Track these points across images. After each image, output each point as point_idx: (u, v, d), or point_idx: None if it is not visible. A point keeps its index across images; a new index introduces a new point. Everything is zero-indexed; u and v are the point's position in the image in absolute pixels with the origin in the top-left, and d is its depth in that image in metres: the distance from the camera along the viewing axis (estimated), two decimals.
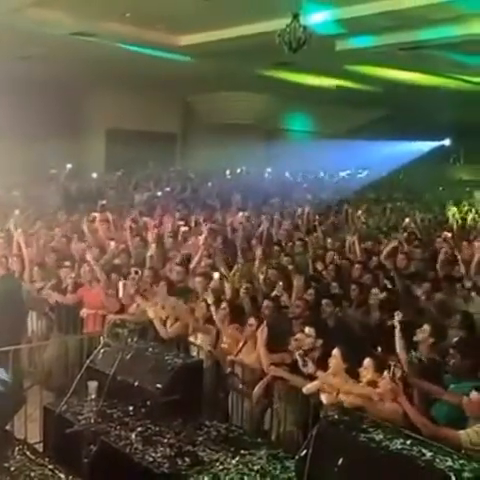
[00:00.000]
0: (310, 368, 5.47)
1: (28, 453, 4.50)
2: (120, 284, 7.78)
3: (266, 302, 7.24)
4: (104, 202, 14.04)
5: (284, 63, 13.84)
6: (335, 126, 22.81)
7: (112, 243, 9.93)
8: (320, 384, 5.47)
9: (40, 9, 10.64)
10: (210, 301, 6.89)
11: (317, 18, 10.59)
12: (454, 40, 11.93)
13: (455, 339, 5.85)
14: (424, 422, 4.63)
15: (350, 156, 21.90)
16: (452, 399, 4.99)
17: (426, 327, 5.95)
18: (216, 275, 8.10)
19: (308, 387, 5.55)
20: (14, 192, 14.60)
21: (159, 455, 4.63)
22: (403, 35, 12.00)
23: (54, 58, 14.26)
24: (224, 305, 6.93)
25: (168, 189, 17.98)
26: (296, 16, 8.26)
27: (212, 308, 6.84)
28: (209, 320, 6.90)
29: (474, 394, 4.56)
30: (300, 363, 5.51)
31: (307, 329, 6.10)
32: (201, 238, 10.31)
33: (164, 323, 7.08)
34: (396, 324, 5.92)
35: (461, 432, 4.46)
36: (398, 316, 5.98)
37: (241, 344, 6.52)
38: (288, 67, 14.77)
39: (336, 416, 4.38)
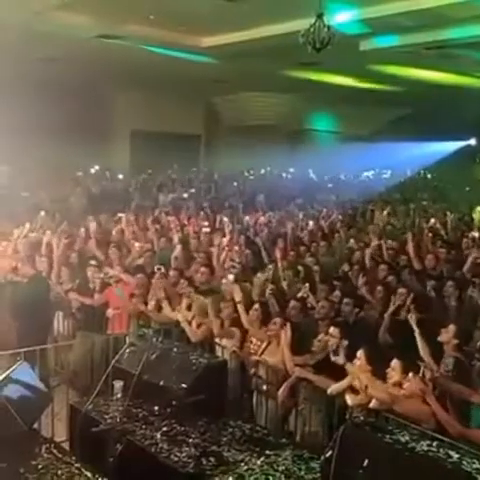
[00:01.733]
0: (341, 359, 5.49)
1: (55, 451, 4.55)
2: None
3: (293, 303, 7.24)
4: (133, 203, 14.17)
5: (308, 63, 13.81)
6: (359, 126, 22.69)
7: (137, 244, 10.00)
8: (346, 383, 5.45)
9: (65, 12, 10.76)
10: (238, 299, 6.90)
11: (341, 18, 10.55)
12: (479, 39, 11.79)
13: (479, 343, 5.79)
14: (452, 423, 4.57)
15: (375, 156, 21.75)
16: None
17: (451, 327, 5.90)
18: (231, 277, 8.09)
19: (333, 387, 5.54)
20: (40, 193, 14.78)
21: (184, 455, 4.65)
22: (428, 34, 11.89)
23: (79, 60, 14.41)
24: (256, 306, 6.94)
25: (192, 190, 18.04)
26: (320, 16, 8.19)
27: (240, 308, 6.84)
28: (235, 321, 6.91)
29: None
30: (331, 352, 5.52)
31: (332, 329, 6.08)
32: (226, 239, 10.36)
33: (190, 323, 7.12)
34: (414, 327, 5.90)
35: None
36: (411, 318, 5.98)
37: (265, 344, 6.52)
38: (312, 67, 14.73)
39: (361, 417, 4.36)
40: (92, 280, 8.26)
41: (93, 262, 8.60)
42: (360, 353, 5.52)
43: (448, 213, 13.59)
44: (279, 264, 9.04)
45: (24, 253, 9.38)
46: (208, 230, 11.29)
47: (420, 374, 4.85)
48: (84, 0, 9.70)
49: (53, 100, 17.16)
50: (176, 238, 10.64)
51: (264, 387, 6.24)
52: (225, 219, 12.34)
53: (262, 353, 6.47)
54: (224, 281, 7.98)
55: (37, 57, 13.92)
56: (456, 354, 5.72)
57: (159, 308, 7.63)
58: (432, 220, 13.04)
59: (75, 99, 17.92)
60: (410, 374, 4.94)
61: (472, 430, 4.61)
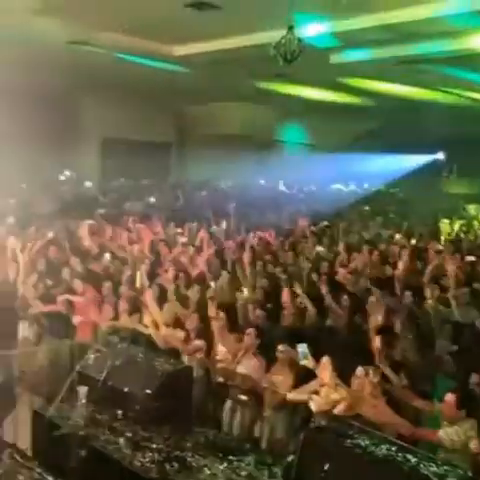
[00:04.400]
0: (311, 363, 5.61)
1: (17, 457, 4.51)
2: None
3: (258, 311, 7.31)
4: (102, 211, 14.13)
5: (279, 75, 13.94)
6: (329, 138, 22.91)
7: (106, 252, 10.00)
8: (305, 397, 5.53)
9: (37, 17, 10.70)
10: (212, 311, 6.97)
11: (313, 31, 10.66)
12: (449, 55, 12.00)
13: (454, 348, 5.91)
14: (401, 422, 4.71)
15: (344, 168, 21.96)
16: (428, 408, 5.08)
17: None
18: (212, 284, 8.15)
19: (291, 395, 5.62)
20: (10, 199, 14.67)
21: (147, 460, 4.65)
22: (398, 49, 12.05)
23: (51, 67, 14.33)
24: (221, 315, 6.98)
25: (162, 198, 18.02)
26: (291, 28, 8.32)
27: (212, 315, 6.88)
28: (201, 331, 6.94)
29: (448, 396, 4.63)
30: (300, 356, 5.64)
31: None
32: (195, 248, 10.40)
33: (158, 328, 7.14)
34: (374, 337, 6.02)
35: (440, 431, 4.59)
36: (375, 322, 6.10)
37: (240, 354, 6.52)
38: (283, 79, 14.86)
39: (323, 422, 4.42)
40: (57, 287, 8.22)
41: (67, 270, 8.55)
42: (326, 360, 5.60)
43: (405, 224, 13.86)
44: (247, 273, 9.10)
45: None
46: (181, 240, 11.28)
47: (370, 378, 4.97)
48: (56, 6, 9.64)
49: (24, 107, 16.99)
50: (146, 246, 10.64)
51: (232, 394, 6.26)
52: (194, 228, 12.37)
53: (237, 363, 6.47)
54: (191, 289, 8.04)
55: (7, 62, 13.79)
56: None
57: (128, 316, 7.64)
58: (397, 235, 13.24)
59: (46, 106, 17.76)
60: (358, 371, 5.05)
61: (421, 429, 4.77)
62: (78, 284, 8.22)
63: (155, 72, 14.65)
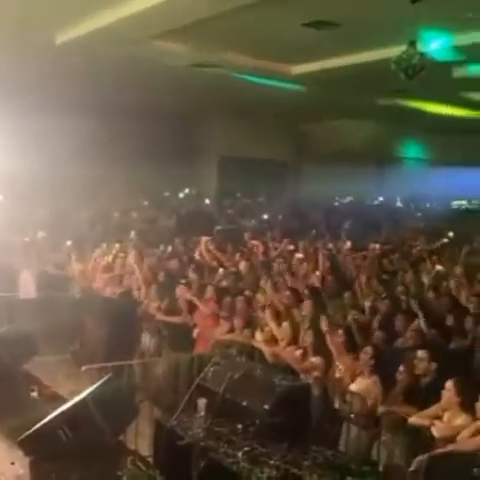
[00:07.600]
0: None
1: (140, 464, 4.65)
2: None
3: (377, 332, 7.18)
4: (218, 228, 14.46)
5: (399, 90, 13.69)
6: (449, 154, 22.20)
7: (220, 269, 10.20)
8: (427, 422, 5.33)
9: (161, 42, 11.17)
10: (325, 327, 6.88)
11: (434, 45, 10.42)
12: None
13: None
14: None
15: (465, 185, 21.20)
16: None
17: None
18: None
19: (413, 419, 5.44)
20: (132, 214, 15.35)
21: (265, 475, 4.64)
22: None
23: (171, 88, 14.88)
24: (341, 332, 6.90)
25: (277, 216, 18.14)
26: (413, 43, 8.18)
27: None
28: (318, 348, 6.89)
29: None
30: None
31: (420, 353, 5.94)
32: (309, 264, 10.36)
33: (275, 344, 7.15)
34: None
35: None
36: None
37: (357, 372, 6.42)
38: (403, 94, 14.60)
39: (447, 449, 4.24)
40: (181, 299, 8.47)
41: (182, 281, 8.81)
42: (449, 384, 5.37)
43: None
44: (363, 291, 8.94)
45: (116, 271, 9.75)
46: (297, 256, 11.31)
47: None
48: (178, 31, 10.03)
49: (147, 127, 17.75)
50: (260, 262, 10.74)
51: (349, 415, 6.16)
52: (308, 244, 12.33)
53: (352, 381, 6.38)
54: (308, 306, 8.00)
55: (133, 86, 14.48)
56: None
57: (242, 330, 7.73)
58: None
59: (166, 125, 18.45)
60: None
61: None
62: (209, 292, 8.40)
63: (272, 91, 14.83)
